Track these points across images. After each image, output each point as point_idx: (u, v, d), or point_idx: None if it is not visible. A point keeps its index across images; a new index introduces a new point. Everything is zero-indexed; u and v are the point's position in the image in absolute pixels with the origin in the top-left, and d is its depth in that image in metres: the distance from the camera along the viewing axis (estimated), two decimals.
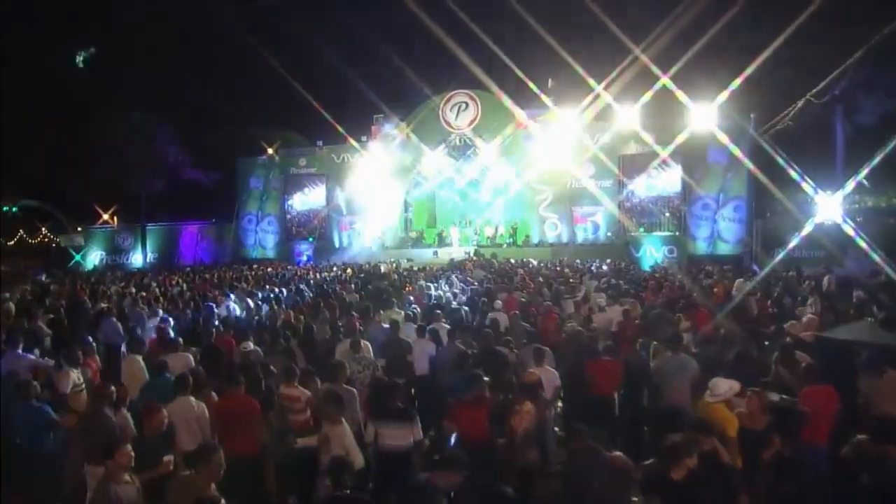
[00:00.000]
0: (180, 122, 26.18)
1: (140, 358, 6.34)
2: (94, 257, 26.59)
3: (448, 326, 7.77)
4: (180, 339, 6.41)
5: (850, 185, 20.29)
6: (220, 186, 27.54)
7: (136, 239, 27.13)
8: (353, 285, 12.72)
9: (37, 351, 6.74)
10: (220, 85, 27.51)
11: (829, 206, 19.90)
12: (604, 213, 23.11)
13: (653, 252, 22.26)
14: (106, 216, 29.29)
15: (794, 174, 20.16)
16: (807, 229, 19.39)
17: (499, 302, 9.45)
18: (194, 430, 4.47)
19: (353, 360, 5.87)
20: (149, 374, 6.18)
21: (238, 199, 27.49)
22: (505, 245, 23.58)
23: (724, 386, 4.35)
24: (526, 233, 24.16)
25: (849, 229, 19.05)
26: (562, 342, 7.40)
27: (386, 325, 7.63)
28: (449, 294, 11.28)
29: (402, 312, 9.12)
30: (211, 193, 27.55)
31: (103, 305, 9.93)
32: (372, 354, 6.36)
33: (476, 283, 12.98)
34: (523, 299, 9.86)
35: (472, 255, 21.99)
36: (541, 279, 13.45)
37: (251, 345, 6.29)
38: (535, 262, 19.47)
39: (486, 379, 4.82)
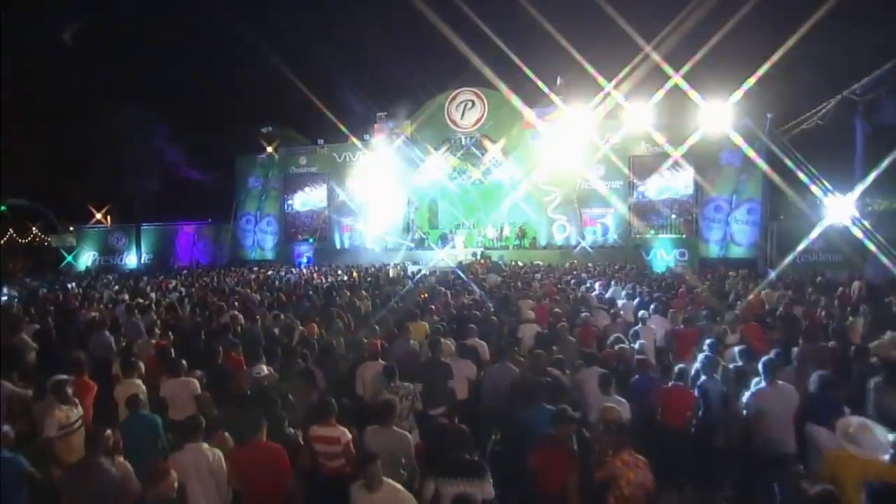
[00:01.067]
0: (177, 119, 25.17)
1: (139, 382, 5.40)
2: (86, 258, 25.44)
3: (484, 343, 6.91)
4: (184, 361, 5.46)
5: (860, 187, 19.68)
6: (218, 186, 26.51)
7: (130, 239, 26.01)
8: (364, 291, 11.78)
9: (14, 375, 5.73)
10: (218, 81, 26.48)
11: (838, 209, 19.28)
12: (614, 214, 22.34)
13: (663, 255, 21.58)
14: (99, 216, 28.20)
15: (803, 176, 19.59)
16: (815, 232, 18.82)
17: (530, 312, 8.58)
18: (209, 486, 3.55)
19: (389, 388, 4.97)
20: (148, 399, 5.30)
21: (236, 198, 26.57)
22: (512, 247, 22.73)
23: (879, 435, 3.40)
24: (533, 235, 23.34)
25: (858, 231, 18.50)
26: (610, 362, 6.51)
27: (412, 342, 6.72)
28: (470, 302, 10.38)
29: (426, 325, 8.25)
30: (208, 193, 26.51)
31: (93, 315, 8.93)
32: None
33: (494, 289, 12.10)
34: (557, 310, 8.98)
35: (478, 257, 21.19)
36: (561, 285, 12.63)
37: (265, 368, 5.34)
38: (541, 265, 18.80)
39: (576, 416, 3.95)
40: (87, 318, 8.69)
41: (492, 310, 9.11)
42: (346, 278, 16.08)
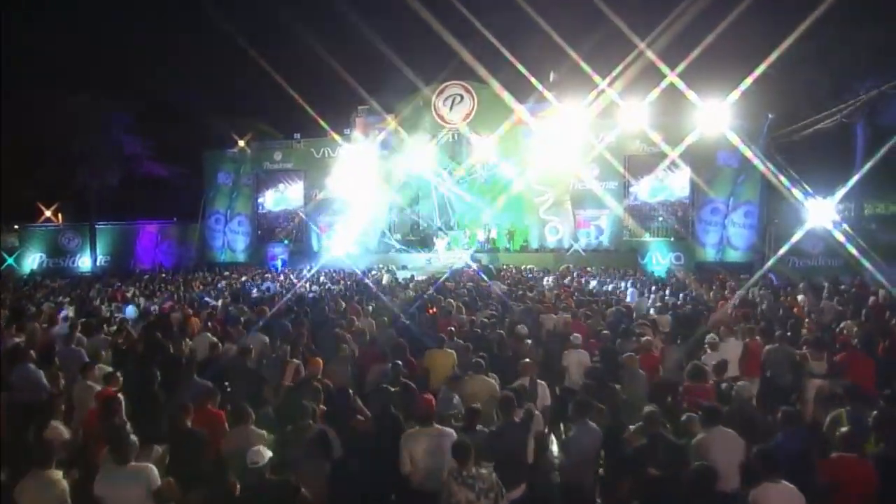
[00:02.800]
0: (139, 108, 22.47)
1: (56, 479, 3.38)
2: (31, 260, 22.42)
3: (544, 383, 5.20)
4: (133, 438, 3.51)
5: (841, 191, 19.04)
6: (184, 182, 23.95)
7: (84, 239, 23.13)
8: (360, 305, 9.88)
9: None
10: (186, 68, 23.88)
11: (822, 212, 18.63)
12: (608, 216, 21.04)
13: (659, 258, 20.44)
14: (49, 213, 25.17)
15: (784, 179, 18.85)
16: (797, 236, 18.06)
17: (577, 335, 6.91)
18: None
19: (460, 480, 3.19)
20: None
21: (204, 196, 24.03)
22: (502, 250, 21.13)
23: None
24: (525, 237, 21.80)
25: (840, 235, 17.84)
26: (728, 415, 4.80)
27: (454, 398, 4.86)
28: (488, 319, 8.64)
29: (453, 353, 6.48)
30: (173, 189, 23.93)
31: (17, 341, 6.78)
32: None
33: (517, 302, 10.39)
34: (605, 331, 7.34)
35: (469, 261, 19.53)
36: (578, 295, 11.05)
37: (264, 451, 3.39)
38: (534, 268, 17.37)
39: None
40: (7, 346, 6.54)
41: (525, 332, 7.37)
42: (330, 285, 14.11)
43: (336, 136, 22.60)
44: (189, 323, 7.88)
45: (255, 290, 12.82)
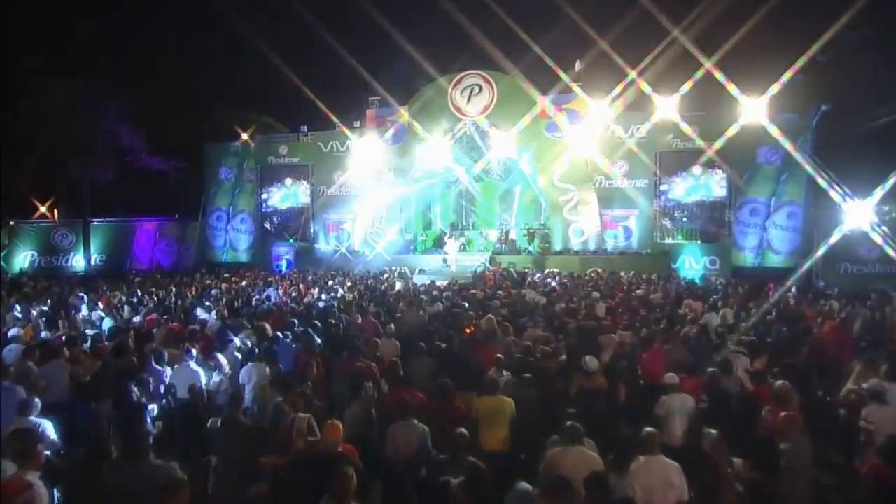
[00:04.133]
0: (137, 98, 20.80)
1: None
2: (22, 258, 20.82)
3: (673, 462, 3.45)
4: None
5: (879, 191, 17.31)
6: (184, 177, 22.35)
7: (78, 237, 21.53)
8: (376, 317, 8.14)
9: None
10: (187, 56, 22.17)
11: (859, 214, 16.99)
12: (638, 216, 19.27)
13: (692, 263, 18.64)
14: (44, 209, 23.52)
15: (822, 181, 17.16)
16: (834, 238, 16.39)
17: (672, 374, 5.15)
18: None
19: None
20: None
21: (205, 192, 22.49)
22: (524, 252, 19.41)
23: None
24: (546, 238, 20.07)
25: (877, 237, 16.19)
26: None
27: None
28: (532, 343, 6.89)
29: (511, 402, 4.75)
30: (173, 184, 22.32)
31: None
32: None
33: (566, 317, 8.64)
34: (711, 369, 5.56)
35: (487, 264, 17.87)
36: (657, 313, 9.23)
37: None
38: (558, 271, 15.76)
39: None
40: None
41: (595, 365, 5.59)
42: (342, 292, 12.38)
43: (345, 130, 21.01)
44: (171, 354, 6.16)
45: (255, 298, 11.09)
